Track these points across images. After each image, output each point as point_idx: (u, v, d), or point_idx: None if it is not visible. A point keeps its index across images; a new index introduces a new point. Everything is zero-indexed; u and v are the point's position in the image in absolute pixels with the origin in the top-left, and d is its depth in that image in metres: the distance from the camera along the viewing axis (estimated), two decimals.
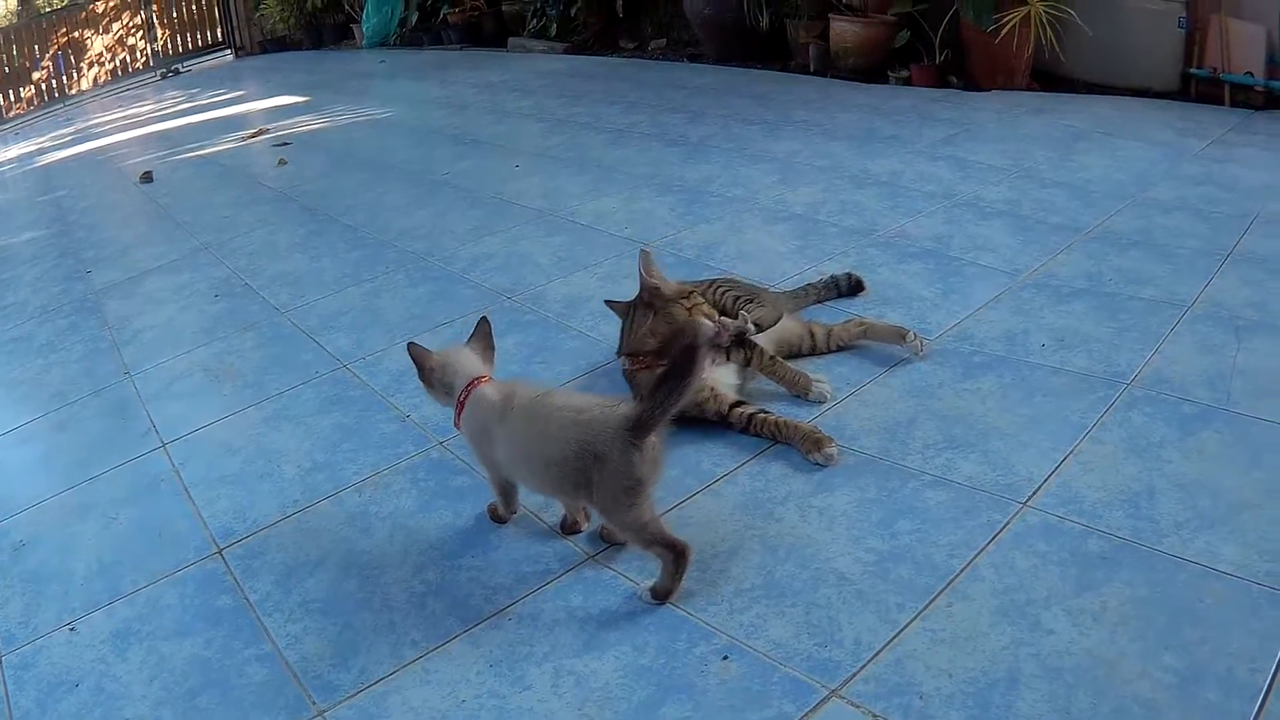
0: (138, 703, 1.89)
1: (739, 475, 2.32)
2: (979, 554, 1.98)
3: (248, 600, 2.11)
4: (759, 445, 2.41)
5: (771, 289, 3.07)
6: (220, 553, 2.29)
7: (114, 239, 5.07)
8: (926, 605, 1.86)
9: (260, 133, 6.67)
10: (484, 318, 2.25)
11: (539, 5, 6.78)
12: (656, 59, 6.17)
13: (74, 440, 2.99)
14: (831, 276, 3.12)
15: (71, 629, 2.11)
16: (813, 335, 2.78)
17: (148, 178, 5.80)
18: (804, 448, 2.33)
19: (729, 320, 2.55)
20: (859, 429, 2.43)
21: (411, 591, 2.07)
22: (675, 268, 3.43)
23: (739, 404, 2.47)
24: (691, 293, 2.50)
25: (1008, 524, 2.05)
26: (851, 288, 3.12)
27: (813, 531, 2.10)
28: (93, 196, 6.11)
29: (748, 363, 2.57)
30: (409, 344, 2.19)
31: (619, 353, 2.54)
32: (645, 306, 2.44)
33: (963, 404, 2.48)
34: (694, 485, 2.29)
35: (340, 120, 7.18)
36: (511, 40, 7.21)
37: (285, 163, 5.75)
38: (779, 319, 2.67)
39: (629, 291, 2.67)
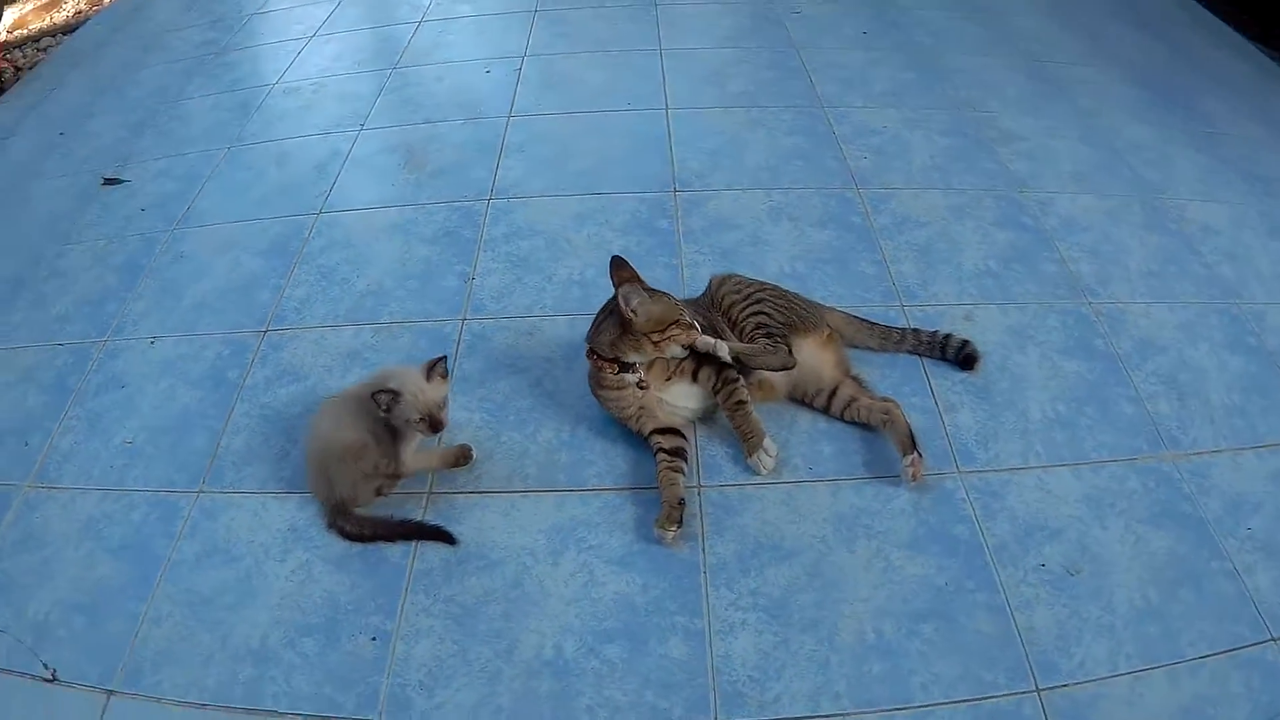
0: None
1: (608, 496, 2.20)
2: None
3: None
4: (650, 478, 2.21)
5: (853, 316, 2.56)
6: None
7: None
8: None
9: None
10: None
11: None
12: None
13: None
14: (945, 335, 2.52)
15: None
16: (832, 395, 2.35)
17: None
18: (659, 516, 2.10)
19: (708, 340, 2.22)
20: (728, 538, 2.10)
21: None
22: None
23: (660, 432, 2.25)
24: (674, 322, 2.17)
25: None
26: (960, 358, 2.49)
27: (551, 604, 2.00)
28: None
29: (716, 391, 2.26)
30: None
31: (587, 337, 2.32)
32: (621, 323, 2.19)
33: (843, 595, 2.00)
34: (560, 480, 2.24)
35: None
36: None
37: None
38: (786, 366, 2.29)
39: None
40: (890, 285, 2.76)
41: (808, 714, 1.79)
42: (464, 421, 2.38)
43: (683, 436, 2.25)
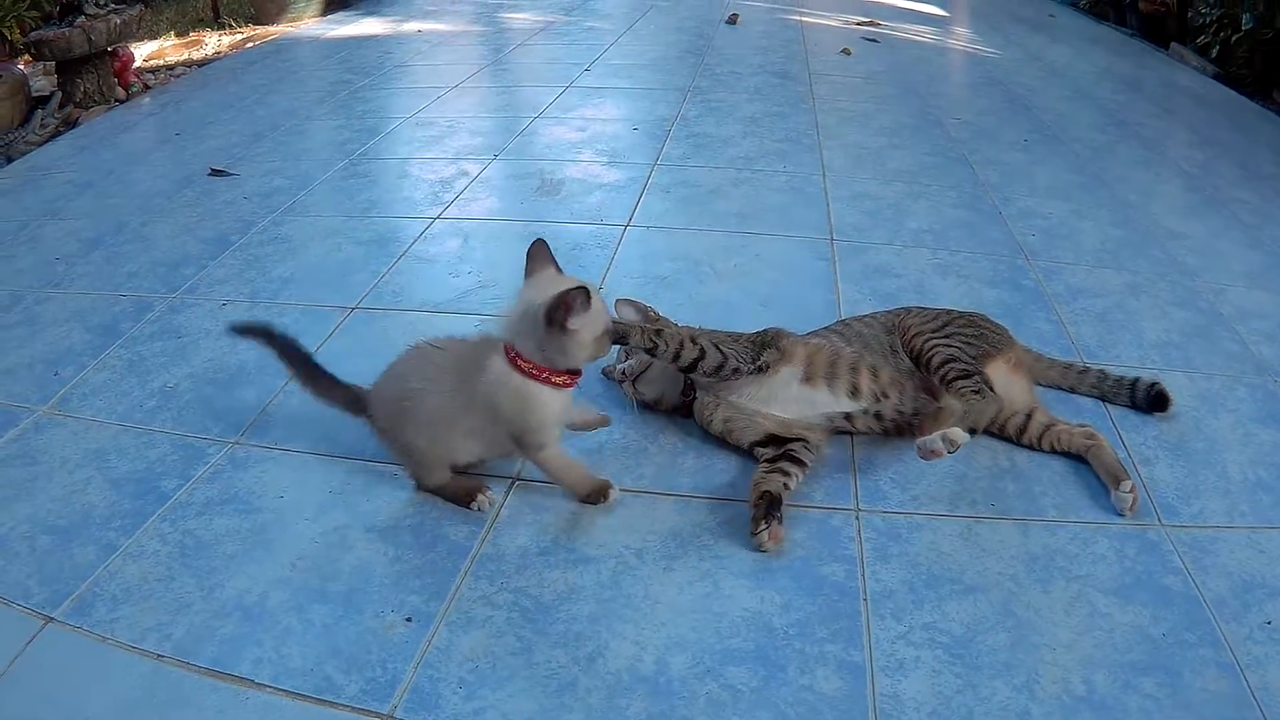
0: None
1: (743, 507, 1.70)
2: None
3: None
4: (803, 495, 1.75)
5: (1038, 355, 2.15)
6: None
7: None
8: None
9: (870, 24, 6.13)
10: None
11: (1215, 26, 5.41)
12: None
13: None
14: (1134, 378, 2.09)
15: None
16: (1028, 418, 1.91)
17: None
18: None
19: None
20: (894, 565, 1.59)
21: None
22: None
23: (763, 444, 1.80)
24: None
25: None
26: (1151, 398, 2.06)
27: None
28: None
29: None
30: None
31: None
32: None
33: (1042, 639, 1.48)
34: (683, 484, 1.79)
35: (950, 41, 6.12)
36: (1174, 45, 5.93)
37: (849, 53, 5.27)
38: (1001, 409, 1.89)
39: None
40: (1069, 343, 2.33)
41: None
42: None
43: (799, 440, 1.78)
